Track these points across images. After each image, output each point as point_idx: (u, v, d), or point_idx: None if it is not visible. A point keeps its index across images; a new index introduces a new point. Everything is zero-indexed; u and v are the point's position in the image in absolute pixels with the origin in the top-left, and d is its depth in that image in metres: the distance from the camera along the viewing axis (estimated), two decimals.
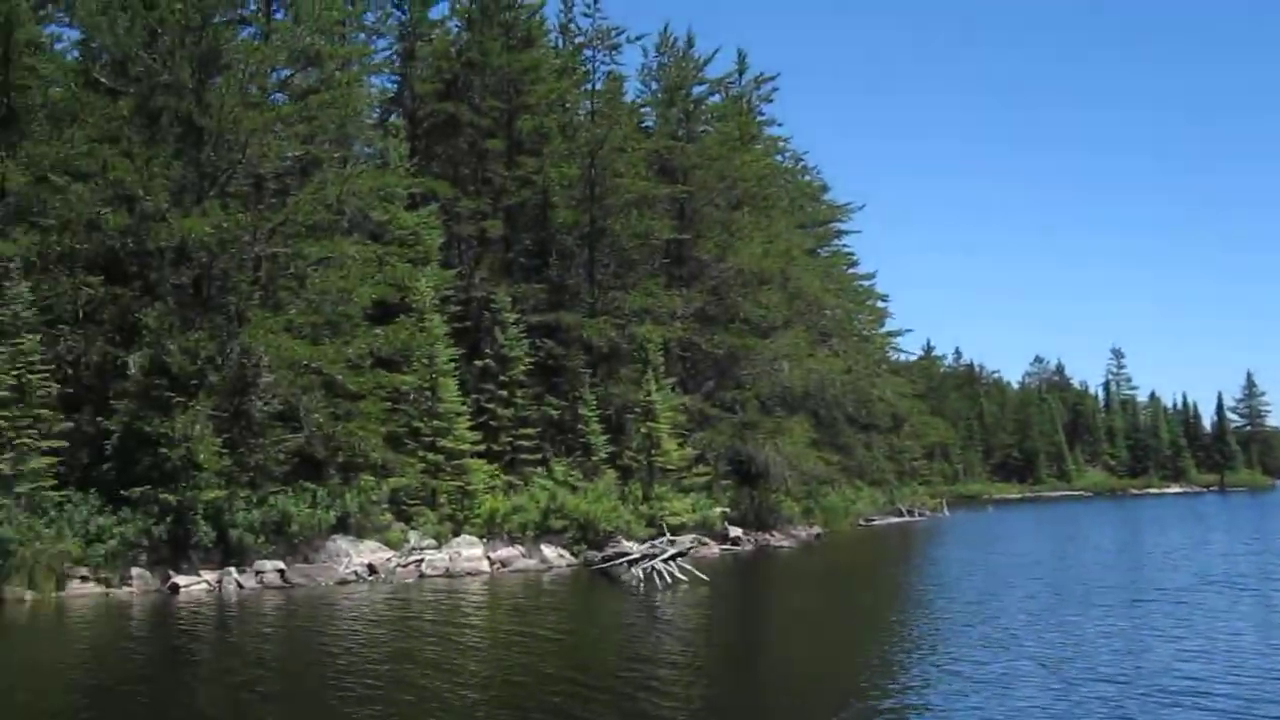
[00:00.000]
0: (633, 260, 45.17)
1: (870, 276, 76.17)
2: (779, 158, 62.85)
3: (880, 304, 75.66)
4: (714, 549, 39.22)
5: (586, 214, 43.54)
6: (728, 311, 47.65)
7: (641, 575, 27.81)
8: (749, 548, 42.30)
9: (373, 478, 33.39)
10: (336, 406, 32.86)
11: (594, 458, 38.54)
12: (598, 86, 46.67)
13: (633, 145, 44.71)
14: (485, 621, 25.30)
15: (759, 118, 57.96)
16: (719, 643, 21.99)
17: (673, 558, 28.35)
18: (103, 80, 33.53)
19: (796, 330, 50.04)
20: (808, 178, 69.21)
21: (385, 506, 33.54)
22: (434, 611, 26.08)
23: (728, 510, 43.20)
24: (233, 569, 29.46)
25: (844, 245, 72.74)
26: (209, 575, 29.06)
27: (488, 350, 38.82)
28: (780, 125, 79.07)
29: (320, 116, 35.59)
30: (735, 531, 42.68)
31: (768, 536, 44.73)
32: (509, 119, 43.45)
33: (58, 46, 35.28)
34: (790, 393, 48.56)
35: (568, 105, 45.11)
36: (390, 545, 32.55)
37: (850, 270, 72.21)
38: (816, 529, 50.19)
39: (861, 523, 59.16)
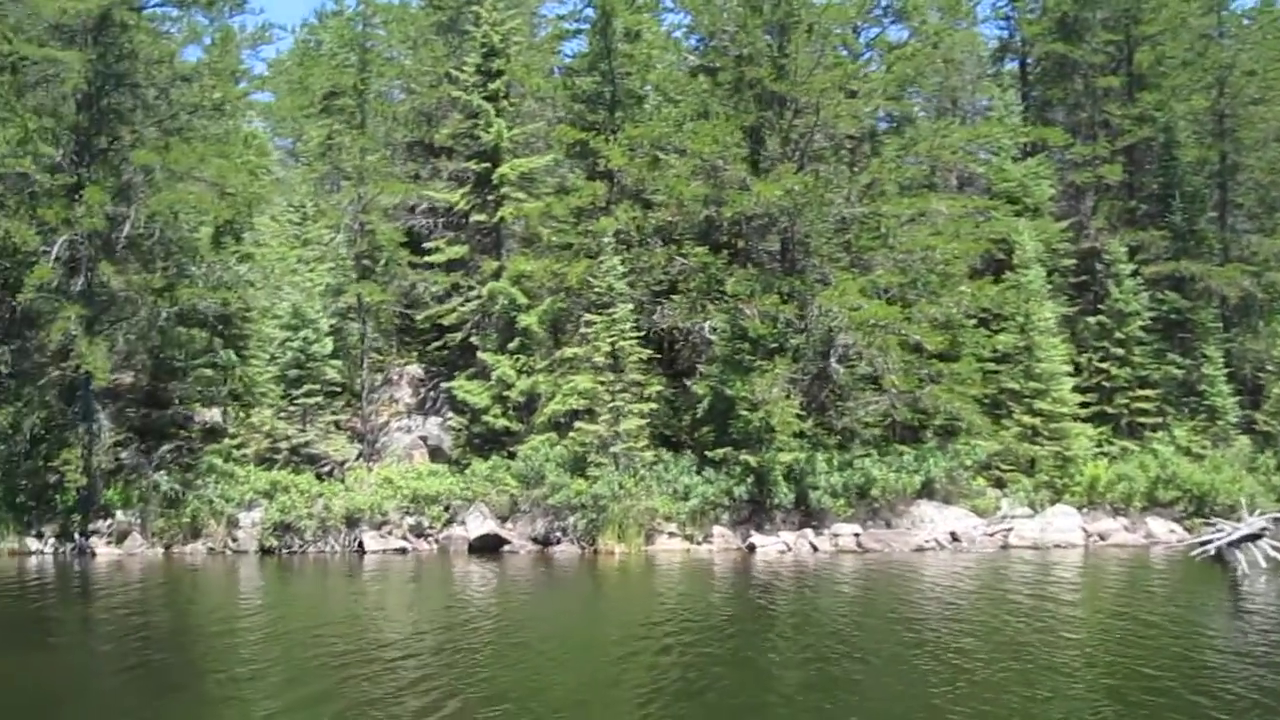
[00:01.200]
0: (1274, 199, 39.40)
1: None
2: None
3: None
4: None
5: (1216, 149, 38.85)
6: None
7: (1244, 557, 23.91)
8: None
9: (968, 442, 32.12)
10: (929, 367, 32.05)
11: (1220, 422, 34.05)
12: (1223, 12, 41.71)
13: (1274, 67, 39.05)
14: (1078, 598, 23.43)
15: None
16: None
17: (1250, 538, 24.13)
18: (695, 59, 35.65)
19: None
20: None
21: (976, 472, 32.11)
22: (1022, 584, 24.68)
23: None
24: (809, 531, 29.85)
25: None
26: (787, 536, 29.69)
27: (1101, 306, 35.80)
28: None
29: (907, 72, 35.12)
30: None
31: None
32: (1128, 52, 39.86)
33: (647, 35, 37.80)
34: None
35: (1191, 28, 40.36)
36: (979, 513, 31.17)
37: None
38: None
39: None
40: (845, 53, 35.49)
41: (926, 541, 29.69)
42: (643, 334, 32.15)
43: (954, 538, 30.03)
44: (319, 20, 58.50)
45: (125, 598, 24.47)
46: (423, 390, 37.60)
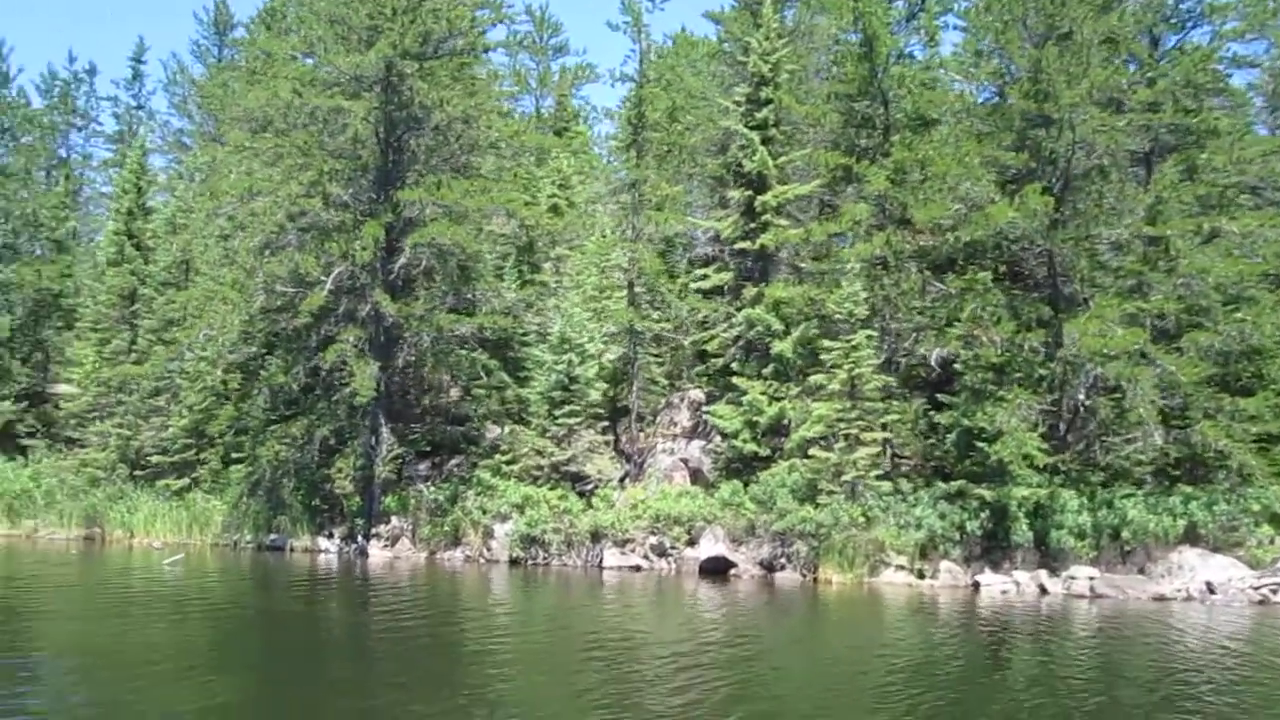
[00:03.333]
0: None
1: None
2: None
3: None
4: None
5: None
6: None
7: None
8: None
9: (1264, 485, 30.13)
10: (1211, 401, 30.44)
11: None
12: None
13: None
14: None
15: None
16: None
17: None
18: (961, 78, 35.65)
19: None
20: None
21: (1267, 520, 29.98)
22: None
23: None
24: (1042, 572, 29.22)
25: None
26: (1020, 575, 29.21)
27: None
28: None
29: (1199, 78, 33.50)
30: None
31: None
32: None
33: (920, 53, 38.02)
34: None
35: None
36: (1253, 564, 29.09)
37: None
38: None
39: None
40: (1131, 64, 34.22)
41: (1174, 591, 28.23)
42: (885, 361, 32.56)
43: (1209, 589, 28.31)
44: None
45: (394, 598, 27.94)
46: (699, 414, 39.57)
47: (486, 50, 39.69)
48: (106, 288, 44.02)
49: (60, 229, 51.30)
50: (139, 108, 63.15)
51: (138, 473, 40.07)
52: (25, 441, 45.23)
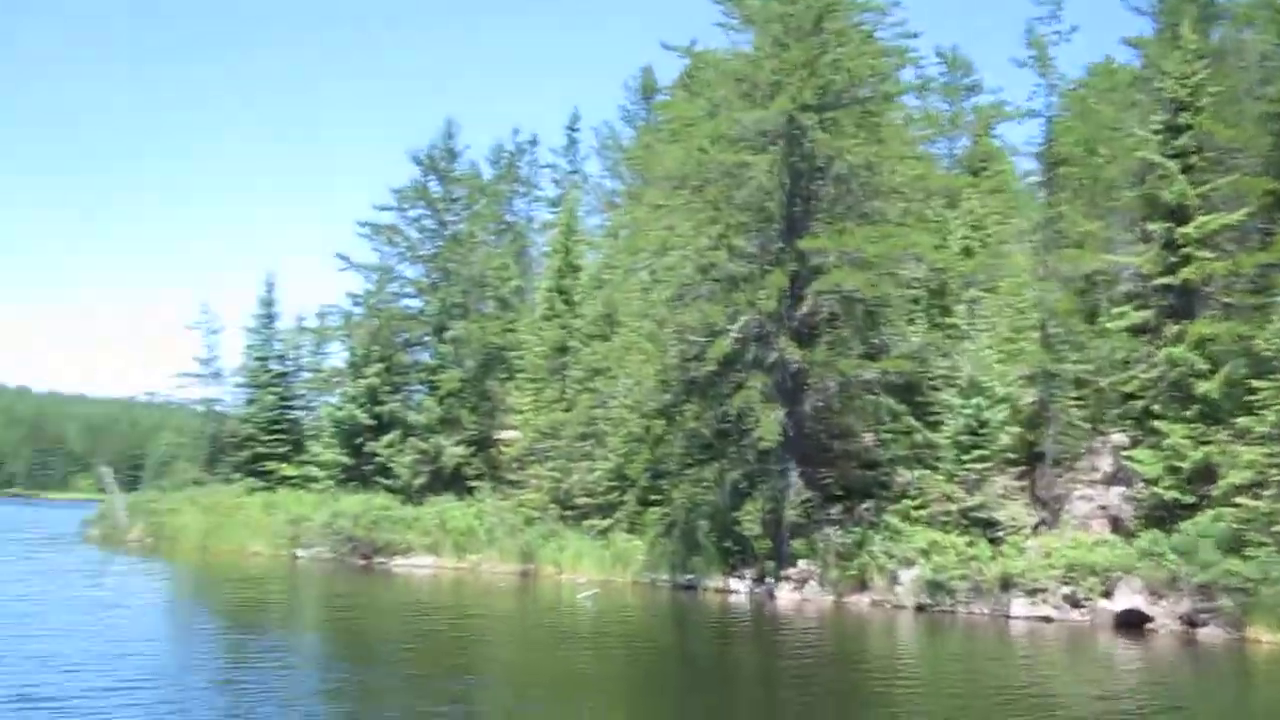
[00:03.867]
0: None
1: None
2: None
3: None
4: None
5: None
6: None
7: None
8: None
9: None
10: None
11: None
12: None
13: None
14: None
15: None
16: None
17: None
18: None
19: None
20: None
21: None
22: None
23: None
24: None
25: None
26: None
27: None
28: None
29: None
30: None
31: None
32: None
33: None
34: None
35: None
36: None
37: None
38: None
39: None
40: None
41: None
42: None
43: None
44: None
45: (801, 641, 28.54)
46: (1120, 460, 37.98)
47: (893, 96, 40.13)
48: (540, 341, 47.90)
49: (503, 288, 56.05)
50: (574, 172, 68.16)
51: (567, 512, 43.21)
52: (472, 483, 49.73)
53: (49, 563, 40.07)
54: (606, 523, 41.56)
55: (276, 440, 57.62)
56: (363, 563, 44.95)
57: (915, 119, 47.16)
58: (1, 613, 24.66)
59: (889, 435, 37.59)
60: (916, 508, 35.65)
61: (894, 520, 35.35)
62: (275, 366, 60.76)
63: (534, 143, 68.71)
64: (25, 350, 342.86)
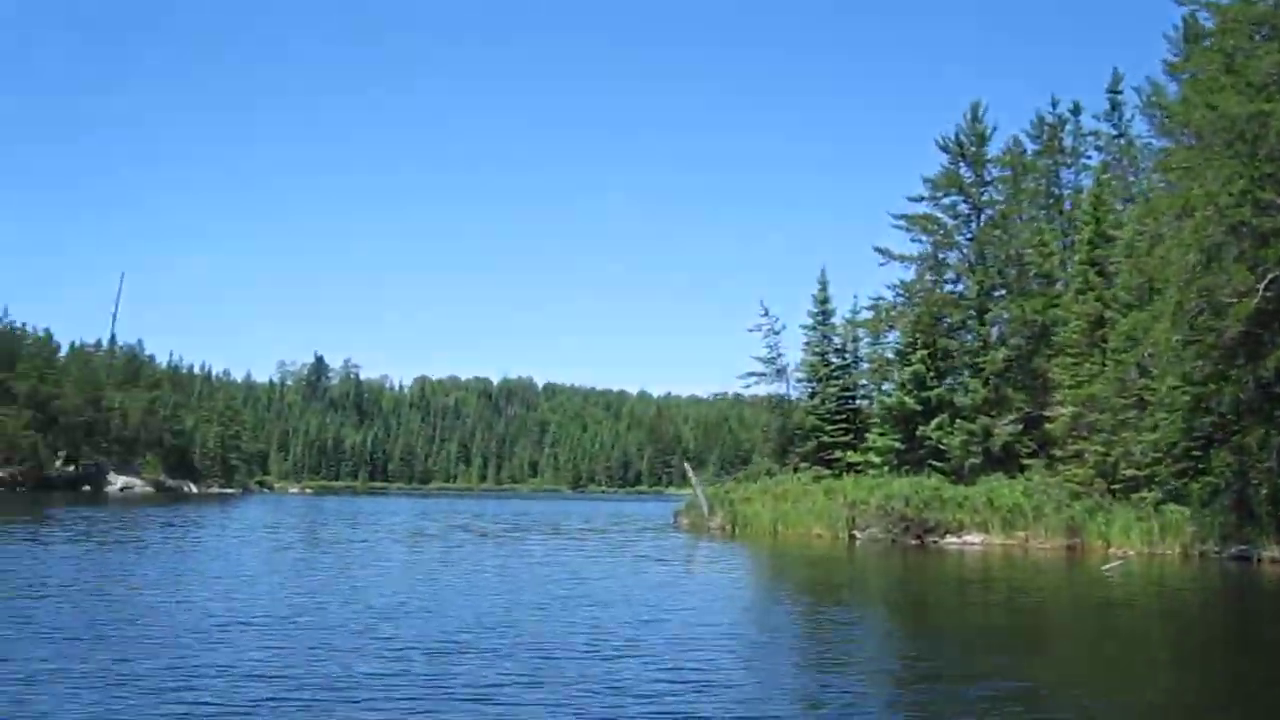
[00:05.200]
0: None
1: None
2: None
3: None
4: None
5: None
6: None
7: None
8: None
9: None
10: None
11: None
12: None
13: None
14: None
15: None
16: None
17: None
18: None
19: None
20: None
21: None
22: None
23: None
24: None
25: None
26: None
27: None
28: None
29: None
30: None
31: None
32: None
33: None
34: None
35: None
36: None
37: None
38: None
39: None
40: None
41: None
42: None
43: None
44: None
45: None
46: None
47: None
48: (1076, 315, 47.74)
49: (1045, 264, 55.94)
50: (1118, 136, 65.91)
51: (1114, 486, 42.94)
52: (1025, 461, 50.47)
53: (640, 547, 45.77)
54: (1152, 494, 40.95)
55: (839, 430, 61.39)
56: (915, 542, 47.19)
57: None
58: (603, 589, 27.83)
59: None
60: None
61: None
62: (834, 360, 64.59)
63: (1076, 111, 67.30)
64: (638, 356, 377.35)
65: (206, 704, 13.24)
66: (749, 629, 22.04)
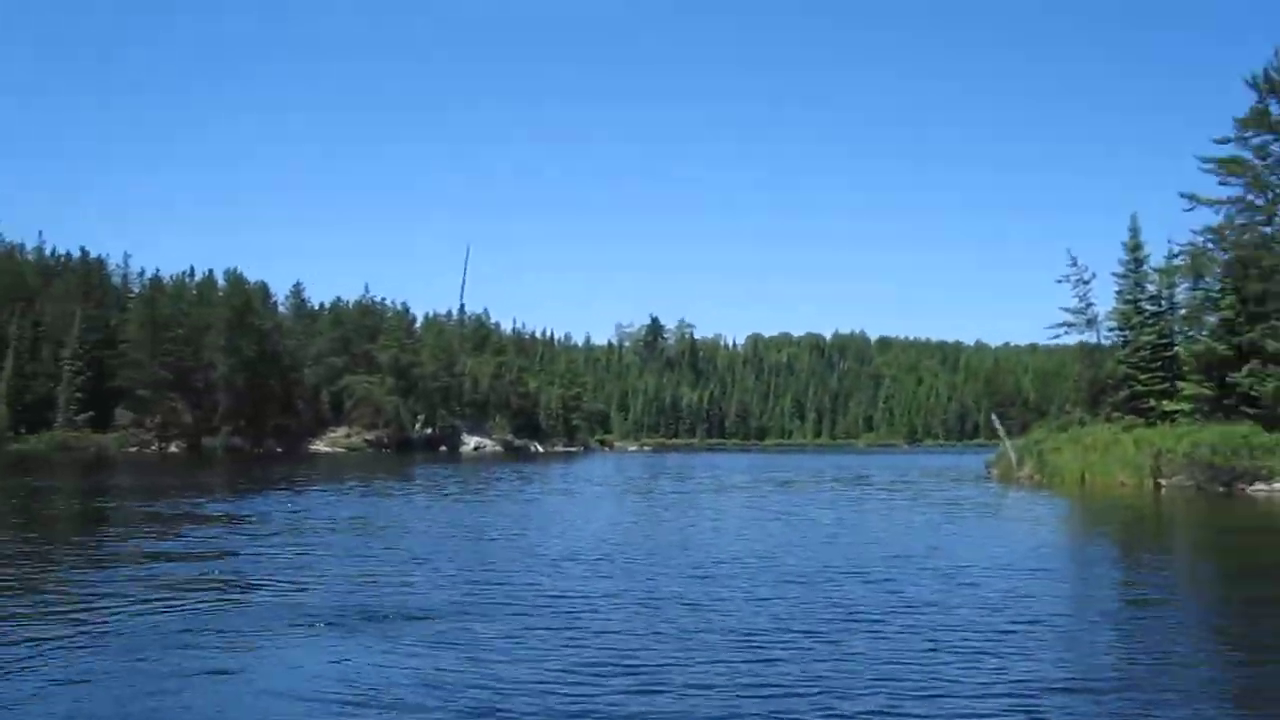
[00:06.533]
0: None
1: None
2: None
3: None
4: None
5: None
6: None
7: None
8: None
9: None
10: None
11: None
12: None
13: None
14: None
15: None
16: None
17: None
18: None
19: None
20: None
21: None
22: None
23: None
24: None
25: None
26: None
27: None
28: None
29: None
30: None
31: None
32: None
33: None
34: None
35: None
36: None
37: None
38: None
39: None
40: None
41: None
42: None
43: None
44: None
45: None
46: None
47: None
48: None
49: None
50: None
51: None
52: None
53: (951, 495, 48.55)
54: None
55: (1154, 378, 61.08)
56: (1222, 489, 47.37)
57: None
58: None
59: None
60: None
61: None
62: (1148, 307, 64.05)
63: None
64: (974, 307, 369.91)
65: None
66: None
